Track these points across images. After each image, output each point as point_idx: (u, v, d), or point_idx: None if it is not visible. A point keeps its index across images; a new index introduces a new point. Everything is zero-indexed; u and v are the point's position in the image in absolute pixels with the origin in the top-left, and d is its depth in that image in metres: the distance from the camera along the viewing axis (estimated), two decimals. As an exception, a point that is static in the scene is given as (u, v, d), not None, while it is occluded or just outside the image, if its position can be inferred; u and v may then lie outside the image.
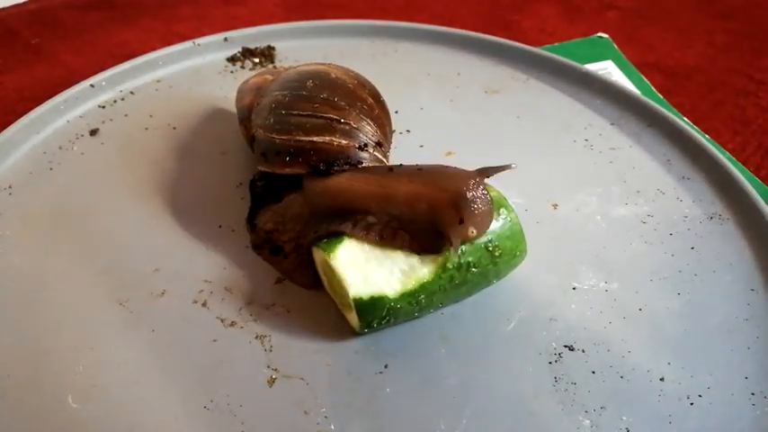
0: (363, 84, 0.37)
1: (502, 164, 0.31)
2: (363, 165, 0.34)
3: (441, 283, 0.31)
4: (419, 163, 0.33)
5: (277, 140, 0.35)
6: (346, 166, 0.34)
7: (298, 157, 0.34)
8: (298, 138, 0.34)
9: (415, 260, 0.31)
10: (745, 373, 0.32)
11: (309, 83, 0.36)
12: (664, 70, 0.59)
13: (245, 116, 0.40)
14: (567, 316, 0.34)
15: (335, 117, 0.34)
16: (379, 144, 0.35)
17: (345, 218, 0.32)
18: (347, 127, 0.34)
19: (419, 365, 0.32)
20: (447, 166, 0.32)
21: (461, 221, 0.30)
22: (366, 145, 0.34)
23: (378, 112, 0.36)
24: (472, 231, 0.30)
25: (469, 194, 0.30)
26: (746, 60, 0.60)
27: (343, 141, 0.34)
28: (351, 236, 0.31)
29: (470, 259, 0.32)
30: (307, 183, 0.35)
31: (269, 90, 0.37)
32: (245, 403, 0.30)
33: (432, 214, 0.30)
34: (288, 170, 0.35)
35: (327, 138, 0.34)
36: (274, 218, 0.37)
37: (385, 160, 0.36)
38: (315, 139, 0.34)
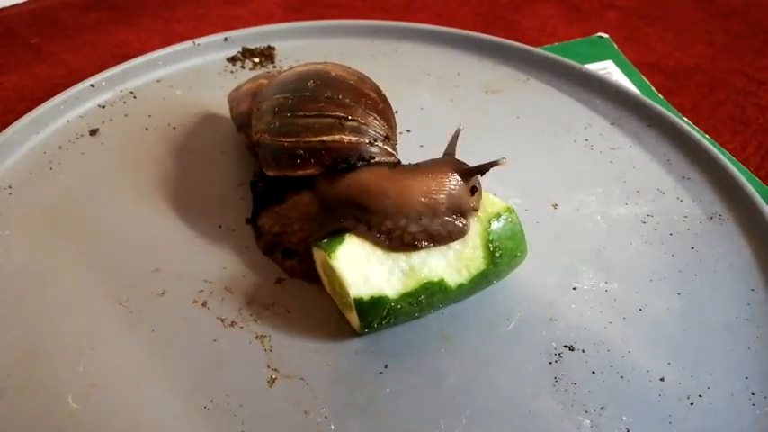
0: (364, 80, 0.37)
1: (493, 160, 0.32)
2: (376, 160, 0.34)
3: (441, 284, 0.31)
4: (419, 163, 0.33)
5: (286, 144, 0.34)
6: (359, 163, 0.34)
7: (310, 158, 0.34)
8: (307, 139, 0.34)
9: (415, 260, 0.31)
10: (745, 373, 0.32)
11: (311, 83, 0.35)
12: (664, 70, 0.59)
13: (245, 123, 0.39)
14: (567, 316, 0.34)
15: (342, 115, 0.34)
16: (387, 138, 0.35)
17: (360, 218, 0.32)
18: (355, 124, 0.34)
19: (419, 365, 0.32)
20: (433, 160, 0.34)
21: (475, 191, 0.32)
22: (375, 140, 0.34)
23: (382, 106, 0.36)
24: (475, 205, 0.32)
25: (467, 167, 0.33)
26: (746, 60, 0.60)
27: (353, 138, 0.34)
28: (362, 237, 0.32)
29: (470, 261, 0.32)
30: (320, 182, 0.35)
31: (267, 94, 0.37)
32: (245, 403, 0.30)
33: (450, 197, 0.32)
34: (300, 172, 0.34)
35: (337, 136, 0.34)
36: (280, 220, 0.37)
37: (395, 153, 0.36)
38: (324, 138, 0.34)
